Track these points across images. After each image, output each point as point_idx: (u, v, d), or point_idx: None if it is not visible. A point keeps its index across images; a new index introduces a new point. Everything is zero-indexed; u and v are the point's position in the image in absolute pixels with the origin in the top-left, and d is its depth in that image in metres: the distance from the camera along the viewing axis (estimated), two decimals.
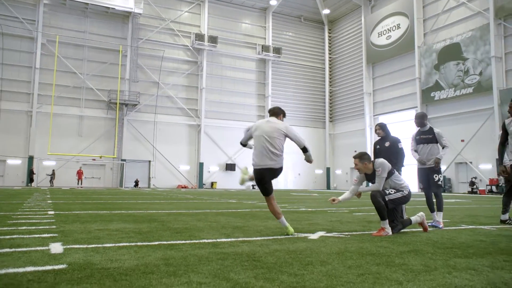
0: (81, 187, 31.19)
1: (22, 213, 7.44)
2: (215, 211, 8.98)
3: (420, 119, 6.76)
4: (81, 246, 3.93)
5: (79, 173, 33.42)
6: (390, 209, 5.32)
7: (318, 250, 3.90)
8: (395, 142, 6.43)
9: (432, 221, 6.32)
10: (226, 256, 3.53)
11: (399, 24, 37.09)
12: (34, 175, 32.48)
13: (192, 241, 4.35)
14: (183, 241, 4.34)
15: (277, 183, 42.82)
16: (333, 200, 5.44)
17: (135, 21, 37.38)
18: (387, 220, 5.16)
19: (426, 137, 6.62)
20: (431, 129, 6.69)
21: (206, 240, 4.43)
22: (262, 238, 4.70)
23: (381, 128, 6.60)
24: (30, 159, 33.21)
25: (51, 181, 33.00)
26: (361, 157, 5.39)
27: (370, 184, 5.61)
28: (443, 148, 6.53)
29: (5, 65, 33.01)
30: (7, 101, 33.02)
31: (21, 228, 5.25)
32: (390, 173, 5.34)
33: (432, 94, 33.49)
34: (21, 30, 33.81)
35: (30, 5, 34.40)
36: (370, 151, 27.75)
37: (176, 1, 39.98)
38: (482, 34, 29.97)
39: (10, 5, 33.49)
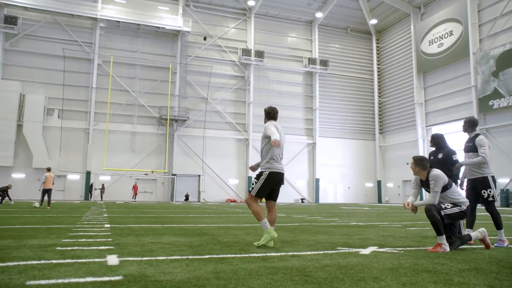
0: (135, 201, 32.33)
1: (81, 226, 7.83)
2: None
3: (464, 125, 6.24)
4: (136, 258, 4.07)
5: (135, 188, 34.71)
6: (447, 224, 5.08)
7: (370, 265, 3.79)
8: (449, 153, 6.12)
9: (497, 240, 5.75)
10: (276, 270, 3.51)
11: (452, 30, 35.73)
12: (94, 190, 34.18)
13: (242, 255, 4.37)
14: (233, 255, 4.37)
15: (326, 197, 42.25)
16: (408, 204, 5.19)
17: (184, 39, 38.68)
18: (444, 236, 4.91)
19: (468, 145, 6.08)
20: (474, 136, 6.09)
21: (255, 254, 4.43)
22: (312, 252, 4.64)
23: (432, 140, 6.36)
24: (88, 174, 34.93)
25: (101, 195, 34.43)
26: (417, 161, 5.20)
27: (424, 191, 5.39)
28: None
29: (66, 86, 35.15)
30: (68, 120, 35.07)
31: (81, 240, 5.52)
32: (446, 187, 5.10)
33: (490, 103, 31.81)
34: (80, 53, 35.99)
35: (88, 28, 36.60)
36: None
37: (223, 18, 40.98)
38: None
39: (70, 30, 35.81)
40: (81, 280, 3.02)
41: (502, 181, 30.72)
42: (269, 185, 5.23)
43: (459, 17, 35.06)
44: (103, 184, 34.92)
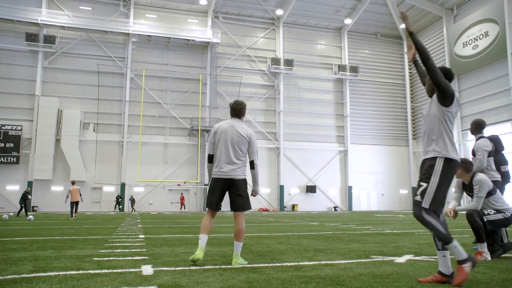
0: (181, 212, 33.33)
1: (116, 237, 8.01)
2: (297, 233, 8.90)
3: (471, 127, 6.02)
4: (170, 268, 4.12)
5: (182, 199, 35.31)
6: (489, 231, 4.89)
7: (405, 274, 3.70)
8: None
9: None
10: (309, 279, 3.48)
11: (487, 31, 34.62)
12: (120, 200, 34.76)
13: (274, 264, 4.35)
14: (266, 264, 4.36)
15: (360, 204, 41.52)
16: (450, 212, 5.03)
17: (214, 51, 39.25)
18: (485, 243, 4.72)
19: (473, 149, 5.88)
20: (477, 139, 5.89)
21: (288, 263, 4.41)
22: (346, 261, 4.56)
23: (491, 141, 6.18)
24: (122, 185, 35.78)
25: (132, 206, 35.03)
26: (461, 163, 4.91)
27: (466, 195, 5.20)
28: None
29: (100, 100, 36.29)
30: (102, 133, 36.14)
31: (116, 251, 5.65)
32: (490, 193, 4.91)
33: None
34: (113, 68, 37.13)
35: (121, 44, 37.74)
36: None
37: (251, 28, 41.35)
38: None
39: (104, 46, 37.04)
40: None
41: None
42: (213, 193, 4.57)
43: (495, 17, 33.94)
44: (132, 196, 35.49)
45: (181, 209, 35.45)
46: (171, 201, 37.01)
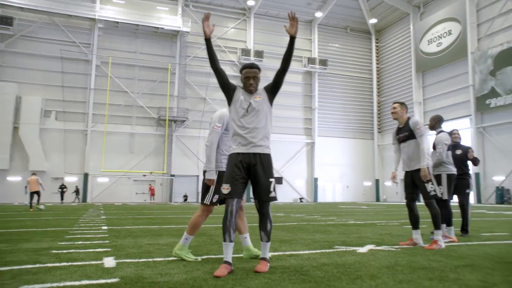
0: (151, 203, 32.94)
1: (78, 228, 7.82)
2: None
3: (430, 122, 6.34)
4: (133, 260, 4.06)
5: (151, 190, 34.78)
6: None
7: (367, 264, 3.79)
8: (468, 151, 6.40)
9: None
10: (274, 270, 3.51)
11: (451, 30, 35.76)
12: (65, 190, 32.55)
13: (239, 255, 4.37)
14: (232, 255, 4.36)
15: (325, 196, 42.28)
16: (394, 177, 5.31)
17: (183, 40, 38.66)
18: (441, 231, 4.95)
19: (433, 143, 6.20)
20: (437, 133, 6.20)
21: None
22: (310, 251, 4.64)
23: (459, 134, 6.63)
24: (86, 176, 34.85)
25: (76, 196, 33.49)
26: (404, 103, 5.50)
27: (399, 146, 5.46)
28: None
29: (64, 87, 35.08)
30: (65, 121, 34.97)
31: (77, 243, 5.51)
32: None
33: (487, 102, 31.86)
34: (78, 54, 35.90)
35: (86, 29, 36.50)
36: None
37: (222, 18, 40.94)
38: None
39: (68, 31, 35.71)
40: (77, 283, 3.01)
41: (497, 178, 30.98)
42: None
43: (458, 17, 35.09)
44: (77, 186, 34.07)
45: (151, 199, 34.96)
46: (136, 192, 36.42)
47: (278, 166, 40.35)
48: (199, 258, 4.15)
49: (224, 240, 3.49)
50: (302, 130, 42.37)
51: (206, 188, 4.16)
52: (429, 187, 5.08)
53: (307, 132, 42.52)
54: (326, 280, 3.08)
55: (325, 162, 42.03)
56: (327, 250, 4.71)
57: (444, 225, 5.86)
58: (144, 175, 36.22)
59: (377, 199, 43.70)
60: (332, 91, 43.83)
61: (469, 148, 6.68)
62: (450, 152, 6.05)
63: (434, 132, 6.29)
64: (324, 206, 25.55)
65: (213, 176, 3.99)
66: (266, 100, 3.74)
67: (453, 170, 6.03)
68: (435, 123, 6.23)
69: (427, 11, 39.71)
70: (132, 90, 37.14)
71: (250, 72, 3.71)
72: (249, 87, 3.71)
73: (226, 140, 4.17)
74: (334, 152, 42.59)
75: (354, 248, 4.93)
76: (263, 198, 3.57)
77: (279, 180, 40.13)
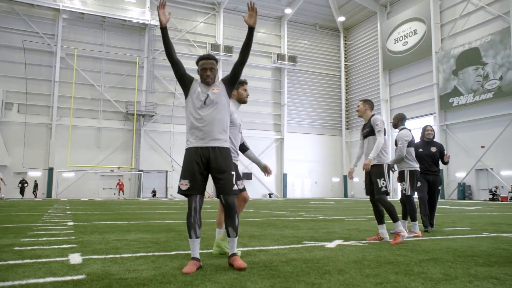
0: (119, 198, 32.45)
1: (42, 224, 7.58)
2: None
3: (393, 120, 6.49)
4: (100, 256, 3.98)
5: (120, 185, 34.11)
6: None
7: (335, 258, 3.86)
8: (443, 148, 6.60)
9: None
10: None
11: (416, 30, 36.75)
12: (26, 186, 31.44)
13: (209, 251, 4.36)
14: (200, 251, 4.33)
15: (294, 192, 42.70)
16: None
17: (152, 33, 38.00)
18: (399, 222, 5.07)
19: (395, 139, 6.37)
20: (399, 130, 6.36)
21: None
22: (279, 247, 4.68)
23: (434, 131, 6.78)
24: (50, 171, 33.81)
25: (34, 191, 32.38)
26: (367, 100, 5.60)
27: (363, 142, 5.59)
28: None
29: (28, 79, 33.81)
30: (29, 115, 33.74)
31: (42, 239, 5.34)
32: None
33: (450, 100, 32.99)
34: (41, 45, 34.64)
35: (50, 20, 35.26)
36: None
37: (191, 12, 40.48)
38: (503, 38, 29.43)
39: (30, 21, 34.39)
40: (41, 280, 2.91)
41: (459, 175, 32.17)
42: None
43: (422, 17, 36.11)
44: (35, 181, 32.95)
45: (119, 195, 34.37)
46: (103, 187, 35.65)
47: (247, 162, 40.36)
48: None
49: (190, 237, 3.47)
50: (272, 126, 42.57)
51: None
52: (380, 183, 5.22)
53: (276, 128, 42.77)
54: (295, 275, 3.12)
55: (294, 158, 42.42)
56: (296, 246, 4.76)
57: (406, 221, 6.04)
58: (112, 170, 35.50)
59: (345, 195, 44.52)
60: (301, 87, 44.21)
61: (442, 146, 6.85)
62: (412, 149, 6.22)
63: (397, 130, 6.45)
64: (293, 201, 25.82)
65: None
66: (224, 93, 3.68)
67: (416, 166, 6.17)
68: (398, 121, 6.40)
69: (393, 10, 40.62)
70: (98, 84, 36.23)
71: (206, 64, 3.66)
72: (206, 78, 3.65)
73: (235, 134, 4.17)
74: (303, 148, 43.05)
75: (323, 243, 5.01)
76: (226, 192, 3.55)
77: (248, 176, 40.18)
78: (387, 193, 5.23)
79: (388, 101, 40.27)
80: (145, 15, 37.07)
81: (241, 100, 4.36)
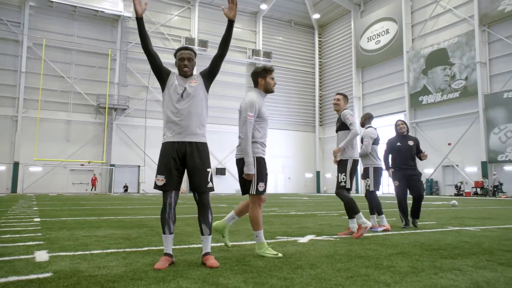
0: (92, 193, 31.91)
1: (6, 221, 7.32)
2: None
3: (361, 119, 6.70)
4: (68, 253, 3.87)
5: (93, 180, 33.50)
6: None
7: (307, 253, 3.90)
8: (419, 143, 6.73)
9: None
10: (216, 260, 3.50)
11: (388, 29, 37.48)
12: None
13: (181, 246, 4.32)
14: (173, 247, 4.30)
15: (267, 187, 42.76)
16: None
17: (125, 25, 37.24)
18: (360, 213, 5.10)
19: (362, 136, 6.55)
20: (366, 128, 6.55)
21: (195, 245, 4.40)
22: (252, 242, 4.68)
23: (406, 124, 6.87)
24: (16, 165, 32.73)
25: None
26: (346, 96, 5.72)
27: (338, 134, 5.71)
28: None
29: None
30: None
31: (5, 236, 5.14)
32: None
33: (420, 99, 33.86)
34: (6, 33, 33.33)
35: (15, 7, 33.97)
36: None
37: (166, 5, 39.90)
38: (468, 40, 30.43)
39: None
40: (3, 280, 2.79)
41: (427, 171, 33.09)
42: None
43: (395, 17, 36.85)
44: None
45: (92, 190, 33.73)
46: (73, 182, 34.83)
47: (221, 157, 40.28)
48: (280, 254, 3.77)
49: (164, 233, 3.42)
50: None
51: (245, 179, 3.85)
52: (341, 177, 5.34)
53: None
54: (267, 270, 3.13)
55: (267, 154, 42.35)
56: (269, 241, 4.78)
57: (374, 216, 6.16)
58: (82, 165, 34.71)
59: (318, 191, 45.09)
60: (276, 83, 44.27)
61: (418, 140, 6.93)
62: (377, 146, 6.36)
63: (364, 128, 6.61)
64: (266, 197, 25.87)
65: (252, 171, 3.75)
66: (202, 86, 3.59)
67: (380, 163, 6.34)
68: (365, 120, 6.59)
69: (367, 9, 41.25)
70: (68, 76, 35.26)
71: (184, 53, 3.56)
72: (184, 68, 3.54)
73: (259, 127, 3.97)
74: (277, 144, 43.23)
75: (295, 238, 5.05)
76: (201, 189, 3.52)
77: (222, 171, 40.11)
78: (346, 188, 5.29)
79: (360, 99, 40.92)
80: (118, 6, 36.26)
81: (268, 90, 4.14)
